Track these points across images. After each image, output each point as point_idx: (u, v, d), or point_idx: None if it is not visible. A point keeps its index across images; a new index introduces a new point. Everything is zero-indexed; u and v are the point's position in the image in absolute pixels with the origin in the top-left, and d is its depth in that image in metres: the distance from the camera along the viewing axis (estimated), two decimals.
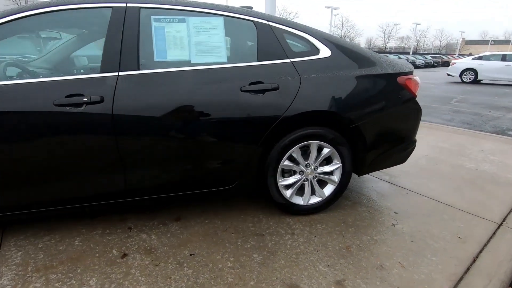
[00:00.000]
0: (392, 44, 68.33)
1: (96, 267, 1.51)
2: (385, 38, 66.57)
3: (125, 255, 1.60)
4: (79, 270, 1.49)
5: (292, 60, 1.77)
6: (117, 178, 1.62)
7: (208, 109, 1.62)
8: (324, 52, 1.84)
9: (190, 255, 1.61)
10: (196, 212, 2.03)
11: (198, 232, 1.81)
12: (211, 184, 1.80)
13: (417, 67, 27.48)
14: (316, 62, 1.80)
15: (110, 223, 1.89)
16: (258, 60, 1.74)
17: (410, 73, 2.01)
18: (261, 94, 1.68)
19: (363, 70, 1.87)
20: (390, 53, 36.16)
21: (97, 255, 1.60)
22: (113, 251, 1.64)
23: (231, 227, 1.87)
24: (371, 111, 1.87)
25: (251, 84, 1.67)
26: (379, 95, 1.89)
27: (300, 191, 1.98)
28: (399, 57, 24.19)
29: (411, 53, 40.88)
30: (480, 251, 1.70)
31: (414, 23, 50.46)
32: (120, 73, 1.54)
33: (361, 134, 1.87)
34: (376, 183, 2.55)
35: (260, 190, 1.93)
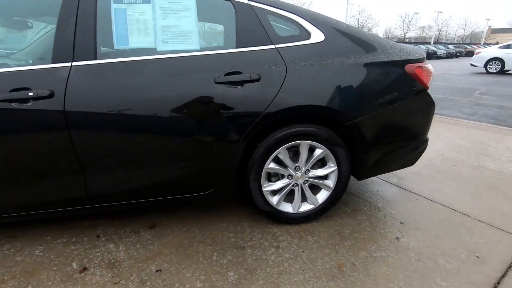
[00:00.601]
0: (411, 34, 65.54)
1: (50, 283, 1.34)
2: (404, 28, 63.93)
3: (84, 269, 1.43)
4: (29, 287, 1.33)
5: (277, 46, 1.51)
6: (76, 184, 1.44)
7: (177, 104, 1.40)
8: (316, 36, 1.57)
9: (157, 271, 1.42)
10: (175, 218, 1.83)
11: (171, 243, 1.62)
12: (185, 189, 1.59)
13: (438, 57, 26.16)
14: (306, 48, 1.54)
15: (79, 229, 1.73)
16: (237, 47, 1.49)
17: (421, 60, 1.71)
18: (239, 86, 1.44)
19: (363, 58, 1.58)
20: (409, 43, 34.61)
21: (55, 268, 1.44)
22: (73, 263, 1.47)
23: (209, 237, 1.66)
24: (372, 106, 1.58)
25: (227, 74, 1.43)
26: (382, 87, 1.61)
27: (290, 197, 1.74)
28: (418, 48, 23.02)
29: (432, 43, 39.02)
30: (503, 275, 1.41)
31: (436, 11, 47.98)
32: (74, 64, 1.34)
33: (360, 132, 1.60)
34: (381, 186, 2.27)
35: (243, 196, 1.71)
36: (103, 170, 1.44)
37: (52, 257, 1.51)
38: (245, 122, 1.47)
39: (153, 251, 1.55)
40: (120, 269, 1.43)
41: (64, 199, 1.47)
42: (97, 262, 1.48)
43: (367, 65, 1.58)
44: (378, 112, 1.61)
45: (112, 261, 1.48)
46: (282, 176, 1.69)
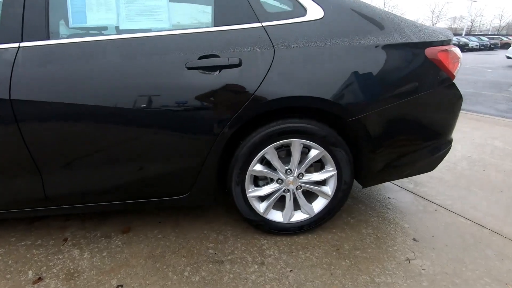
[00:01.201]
0: (442, 24, 61.92)
1: None
2: (434, 19, 60.48)
3: (40, 279, 1.27)
4: None
5: (265, 24, 1.25)
6: (32, 183, 1.27)
7: (142, 93, 1.18)
8: (314, 12, 1.28)
9: (117, 287, 1.23)
10: (152, 222, 1.64)
11: (142, 252, 1.42)
12: (155, 192, 1.39)
13: (470, 50, 24.48)
14: (300, 27, 1.26)
15: (47, 230, 1.58)
16: (214, 25, 1.24)
17: (446, 42, 1.38)
18: (216, 73, 1.20)
19: (372, 39, 1.29)
20: None
21: (8, 276, 1.28)
22: (30, 272, 1.31)
23: (185, 247, 1.45)
24: (382, 99, 1.29)
25: (201, 58, 1.19)
26: (395, 75, 1.30)
27: (280, 204, 1.50)
28: None
29: (463, 35, 36.64)
30: None
31: (469, 0, 44.84)
32: (22, 44, 1.15)
33: (366, 131, 1.31)
34: (394, 192, 1.96)
35: (226, 201, 1.48)
36: (61, 169, 1.26)
37: (10, 262, 1.36)
38: (222, 116, 1.23)
39: (119, 261, 1.36)
40: (78, 282, 1.25)
41: (21, 199, 1.31)
42: (55, 271, 1.31)
43: (377, 47, 1.28)
44: (389, 106, 1.31)
45: (72, 271, 1.31)
46: (272, 180, 1.44)
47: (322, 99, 1.25)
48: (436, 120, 1.44)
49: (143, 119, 1.20)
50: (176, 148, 1.27)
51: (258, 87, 1.21)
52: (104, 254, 1.41)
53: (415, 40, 1.33)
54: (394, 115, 1.34)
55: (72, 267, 1.33)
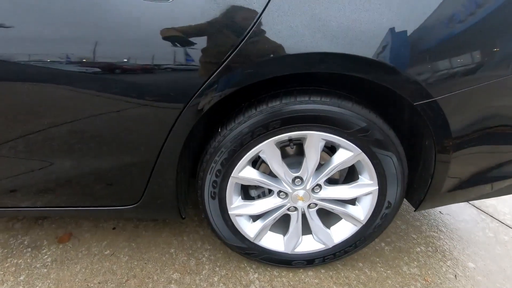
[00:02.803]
0: None
1: None
2: None
3: None
4: None
5: None
6: None
7: (55, 55, 0.64)
8: None
9: None
10: (104, 228, 1.18)
11: (73, 280, 0.98)
12: (93, 199, 0.90)
13: None
14: None
15: None
16: None
17: None
18: (168, 1, 0.63)
19: None
20: None
21: None
22: None
23: (136, 278, 0.99)
24: (478, 72, 0.69)
25: None
26: (499, 29, 0.69)
27: (282, 222, 0.99)
28: None
29: None
30: None
31: None
32: None
33: (443, 123, 0.73)
34: (461, 213, 1.39)
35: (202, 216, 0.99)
36: None
37: None
38: (184, 80, 0.68)
39: None
40: None
41: None
42: None
43: None
44: (493, 82, 0.71)
45: None
46: (270, 192, 0.92)
47: (368, 61, 0.66)
48: None
49: (63, 93, 0.68)
50: (115, 137, 0.75)
51: (247, 35, 0.63)
52: (21, 278, 0.98)
53: None
54: (494, 100, 0.74)
55: None
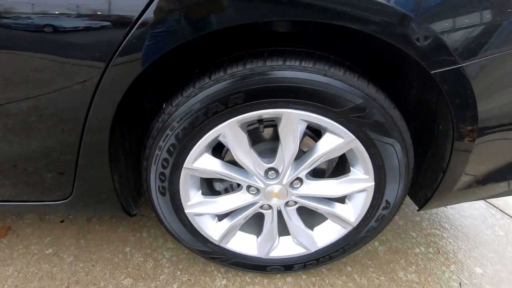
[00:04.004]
0: None
1: None
2: None
3: None
4: None
5: None
6: None
7: None
8: None
9: None
10: (50, 221, 1.01)
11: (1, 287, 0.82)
12: (19, 190, 0.71)
13: None
14: None
15: None
16: None
17: None
18: None
19: None
20: None
21: None
22: None
23: (81, 283, 0.83)
24: None
25: None
26: None
27: (256, 220, 0.81)
28: None
29: None
30: None
31: None
32: None
33: (469, 100, 0.53)
34: (468, 208, 1.21)
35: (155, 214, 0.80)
36: None
37: None
38: (100, 32, 0.47)
39: None
40: None
41: None
42: None
43: None
44: None
45: None
46: (239, 186, 0.73)
47: (375, 5, 0.45)
48: None
49: None
50: (19, 110, 0.55)
51: None
52: None
53: None
54: None
55: None
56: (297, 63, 0.53)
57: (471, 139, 0.58)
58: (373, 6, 0.45)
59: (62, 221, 1.01)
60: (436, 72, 0.50)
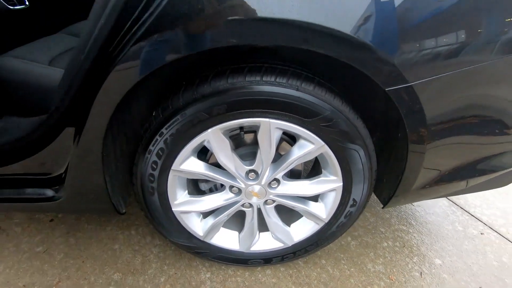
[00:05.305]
0: None
1: None
2: None
3: None
4: None
5: None
6: None
7: None
8: None
9: None
10: (37, 224, 1.04)
11: None
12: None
13: None
14: None
15: None
16: None
17: None
18: None
19: None
20: None
21: None
22: None
23: (70, 279, 0.87)
24: (471, 51, 0.58)
25: None
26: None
27: (238, 218, 0.88)
28: None
29: None
30: None
31: None
32: None
33: (419, 111, 0.62)
34: (432, 206, 1.32)
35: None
36: None
37: None
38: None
39: None
40: None
41: None
42: None
43: None
44: (476, 67, 0.60)
45: None
46: (222, 186, 0.80)
47: (337, 35, 0.52)
48: None
49: None
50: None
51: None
52: None
53: None
54: (476, 84, 0.63)
55: None
56: (273, 79, 0.60)
57: (422, 143, 0.67)
58: (338, 34, 0.53)
59: (51, 220, 1.05)
60: (390, 88, 0.59)
